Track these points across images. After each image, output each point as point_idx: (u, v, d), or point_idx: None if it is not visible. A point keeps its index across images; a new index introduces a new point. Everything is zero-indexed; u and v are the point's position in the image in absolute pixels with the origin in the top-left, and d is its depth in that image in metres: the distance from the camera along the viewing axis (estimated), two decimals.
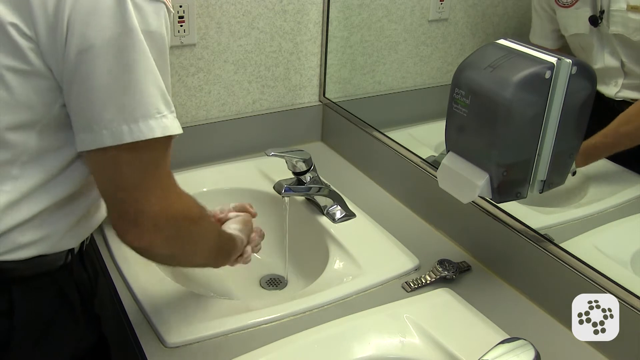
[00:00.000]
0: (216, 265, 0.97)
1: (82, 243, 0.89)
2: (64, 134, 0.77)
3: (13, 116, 0.73)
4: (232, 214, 1.05)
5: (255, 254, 1.06)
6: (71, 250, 0.86)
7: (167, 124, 0.73)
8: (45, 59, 0.71)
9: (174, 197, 0.79)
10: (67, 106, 0.74)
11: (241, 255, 1.01)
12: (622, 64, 1.18)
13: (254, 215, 1.08)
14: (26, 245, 0.78)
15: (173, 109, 0.75)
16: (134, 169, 0.74)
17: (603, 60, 1.20)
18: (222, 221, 1.04)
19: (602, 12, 1.16)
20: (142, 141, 0.71)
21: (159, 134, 0.72)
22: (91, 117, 0.71)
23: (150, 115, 0.71)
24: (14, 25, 0.69)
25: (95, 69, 0.69)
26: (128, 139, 0.70)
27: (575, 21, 1.22)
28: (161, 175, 0.76)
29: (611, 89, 1.21)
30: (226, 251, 0.97)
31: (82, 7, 0.68)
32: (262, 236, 1.08)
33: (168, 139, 0.74)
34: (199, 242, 0.88)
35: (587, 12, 1.19)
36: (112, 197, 0.76)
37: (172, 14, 0.75)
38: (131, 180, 0.74)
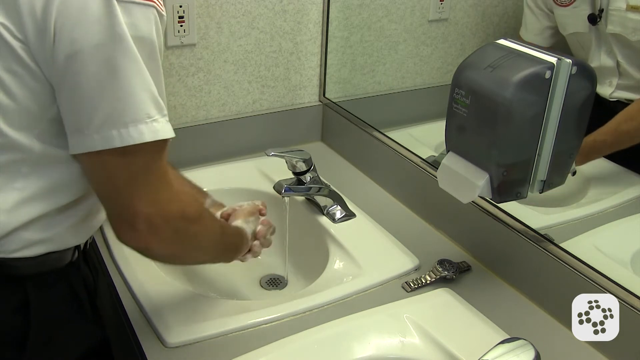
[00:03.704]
0: (226, 260, 0.97)
1: (86, 241, 0.90)
2: (66, 140, 0.76)
3: (15, 119, 0.73)
4: (236, 206, 1.05)
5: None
6: (77, 247, 0.87)
7: (158, 128, 0.72)
8: (37, 60, 0.70)
9: (169, 197, 0.78)
10: (60, 109, 0.73)
11: (250, 250, 1.01)
12: (618, 64, 1.18)
13: (262, 213, 1.07)
14: (36, 243, 0.79)
15: (165, 112, 0.74)
16: (125, 173, 0.73)
17: (599, 59, 1.20)
18: (226, 215, 1.04)
19: (601, 10, 1.16)
20: (132, 145, 0.71)
21: (148, 138, 0.71)
22: (81, 121, 0.71)
23: (140, 120, 0.71)
24: (4, 26, 0.69)
25: (84, 74, 0.68)
26: (118, 144, 0.70)
27: (574, 20, 1.22)
28: (154, 177, 0.76)
29: (606, 89, 1.21)
30: (234, 245, 0.97)
31: (69, 11, 0.67)
32: (270, 228, 1.07)
33: (161, 142, 0.74)
34: (201, 240, 0.87)
35: (585, 11, 1.18)
36: (107, 198, 0.76)
37: (164, 16, 0.74)
38: (124, 184, 0.74)
